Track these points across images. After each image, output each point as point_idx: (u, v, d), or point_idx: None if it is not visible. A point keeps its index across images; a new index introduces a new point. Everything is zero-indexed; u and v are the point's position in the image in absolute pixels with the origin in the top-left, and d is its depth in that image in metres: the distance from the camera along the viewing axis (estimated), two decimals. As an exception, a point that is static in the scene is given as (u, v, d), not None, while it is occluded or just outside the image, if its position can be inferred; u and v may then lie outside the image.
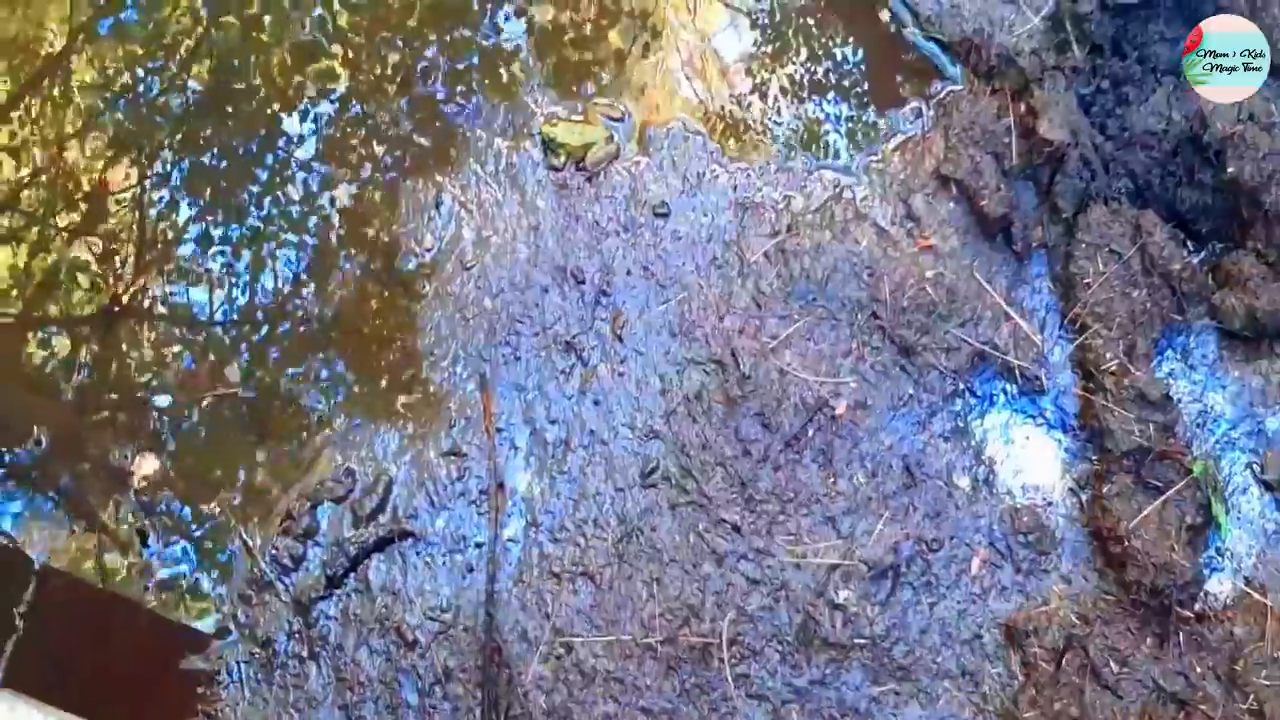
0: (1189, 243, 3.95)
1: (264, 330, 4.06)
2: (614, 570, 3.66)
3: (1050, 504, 3.74)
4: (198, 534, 3.80)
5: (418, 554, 3.72)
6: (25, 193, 4.19)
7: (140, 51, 4.35)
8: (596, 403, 3.87)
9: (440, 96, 4.33)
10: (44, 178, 4.19)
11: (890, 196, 4.06)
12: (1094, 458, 3.76)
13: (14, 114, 4.28)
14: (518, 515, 3.75)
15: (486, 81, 4.33)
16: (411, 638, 3.62)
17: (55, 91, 4.31)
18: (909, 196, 4.05)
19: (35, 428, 3.87)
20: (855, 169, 4.14)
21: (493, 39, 4.37)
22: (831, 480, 3.71)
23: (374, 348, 4.03)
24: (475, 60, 4.36)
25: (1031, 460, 3.81)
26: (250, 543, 3.75)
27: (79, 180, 4.17)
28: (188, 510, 3.83)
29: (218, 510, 3.80)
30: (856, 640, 3.53)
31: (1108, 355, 3.73)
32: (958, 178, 4.01)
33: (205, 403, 3.89)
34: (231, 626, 3.70)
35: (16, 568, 3.68)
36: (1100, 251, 3.85)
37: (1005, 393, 3.87)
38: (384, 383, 3.98)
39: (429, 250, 4.11)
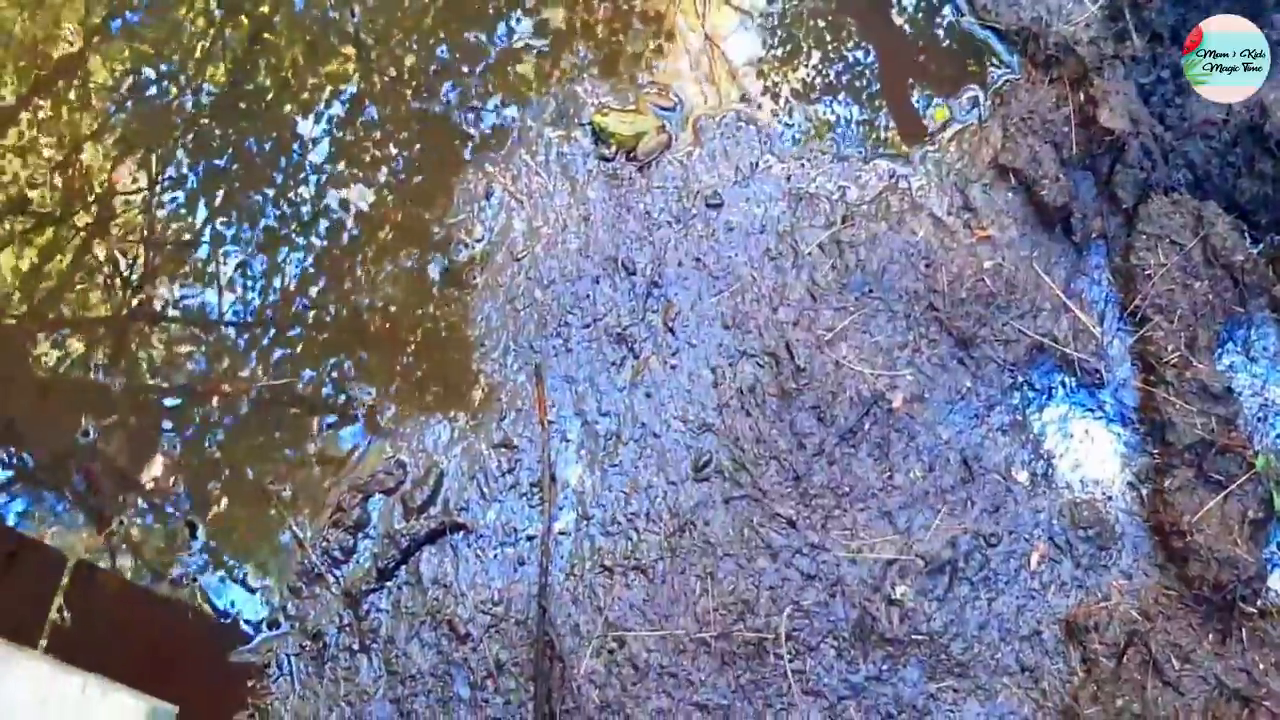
0: (1250, 234, 3.95)
1: (309, 319, 4.10)
2: (667, 564, 3.66)
3: (1110, 498, 3.75)
4: (244, 525, 3.83)
5: (469, 546, 3.74)
6: (38, 194, 4.24)
7: (153, 52, 4.43)
8: (648, 395, 3.89)
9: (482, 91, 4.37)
10: (57, 179, 4.24)
11: (947, 186, 4.10)
12: (1154, 451, 3.78)
13: (26, 115, 4.35)
14: (569, 508, 3.77)
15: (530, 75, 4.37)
16: (463, 631, 3.64)
17: (69, 93, 4.38)
18: (966, 186, 4.09)
19: (47, 428, 3.92)
20: (911, 159, 4.17)
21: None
22: (888, 474, 3.73)
23: (425, 339, 4.06)
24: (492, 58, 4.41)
25: (1091, 454, 3.83)
26: (301, 535, 3.78)
27: (92, 181, 4.24)
28: (232, 501, 3.87)
29: (269, 503, 3.83)
30: (913, 636, 3.54)
31: (1169, 348, 3.76)
32: (1016, 167, 4.04)
33: (252, 394, 3.93)
34: (281, 619, 3.72)
35: (51, 551, 3.71)
36: (1161, 243, 3.88)
37: (1064, 385, 3.89)
38: (435, 374, 4.01)
39: (479, 241, 4.16)
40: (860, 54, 4.44)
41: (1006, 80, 4.26)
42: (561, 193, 4.19)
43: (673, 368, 3.91)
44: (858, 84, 4.38)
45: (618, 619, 3.62)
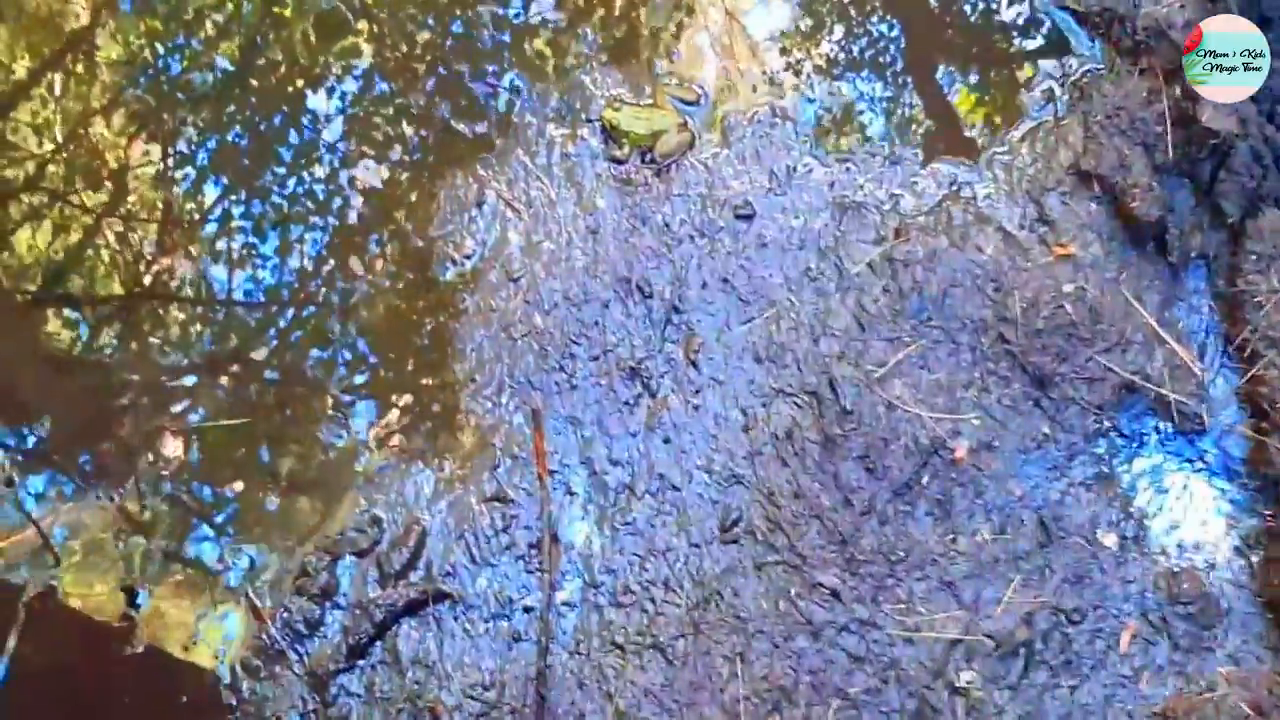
0: None
1: (277, 338, 4.10)
2: (689, 642, 3.54)
3: (1213, 567, 3.64)
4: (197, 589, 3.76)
5: (456, 619, 3.63)
6: (48, 170, 4.33)
7: (163, 28, 4.51)
8: (667, 441, 3.78)
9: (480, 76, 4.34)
10: (67, 155, 4.36)
11: (1019, 195, 4.01)
12: (1266, 512, 3.68)
13: (37, 91, 4.44)
14: (574, 574, 3.66)
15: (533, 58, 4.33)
16: None
17: (79, 68, 4.48)
18: (1041, 196, 3.98)
19: (57, 408, 3.99)
20: (977, 162, 4.10)
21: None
22: (950, 537, 3.60)
23: (404, 372, 3.99)
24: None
25: (1190, 514, 3.73)
26: (258, 603, 3.66)
27: (102, 158, 4.33)
28: (187, 560, 3.80)
29: (219, 564, 3.75)
30: None
31: None
32: (1100, 174, 3.94)
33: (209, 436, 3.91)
34: (234, 703, 3.58)
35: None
36: (1274, 264, 3.81)
37: (1158, 432, 3.78)
38: (416, 414, 3.93)
39: (469, 257, 4.08)
40: (904, 32, 4.36)
41: (1088, 71, 4.17)
42: (566, 201, 4.10)
43: (696, 408, 3.80)
44: (907, 73, 4.31)
45: (630, 707, 3.49)
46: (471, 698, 3.54)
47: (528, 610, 3.62)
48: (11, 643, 3.62)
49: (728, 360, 3.84)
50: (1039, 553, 3.59)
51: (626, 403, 3.84)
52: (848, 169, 4.10)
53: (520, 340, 3.93)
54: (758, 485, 3.69)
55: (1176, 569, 3.60)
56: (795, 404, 3.77)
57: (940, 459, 3.65)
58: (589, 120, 4.19)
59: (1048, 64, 4.22)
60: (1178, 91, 3.94)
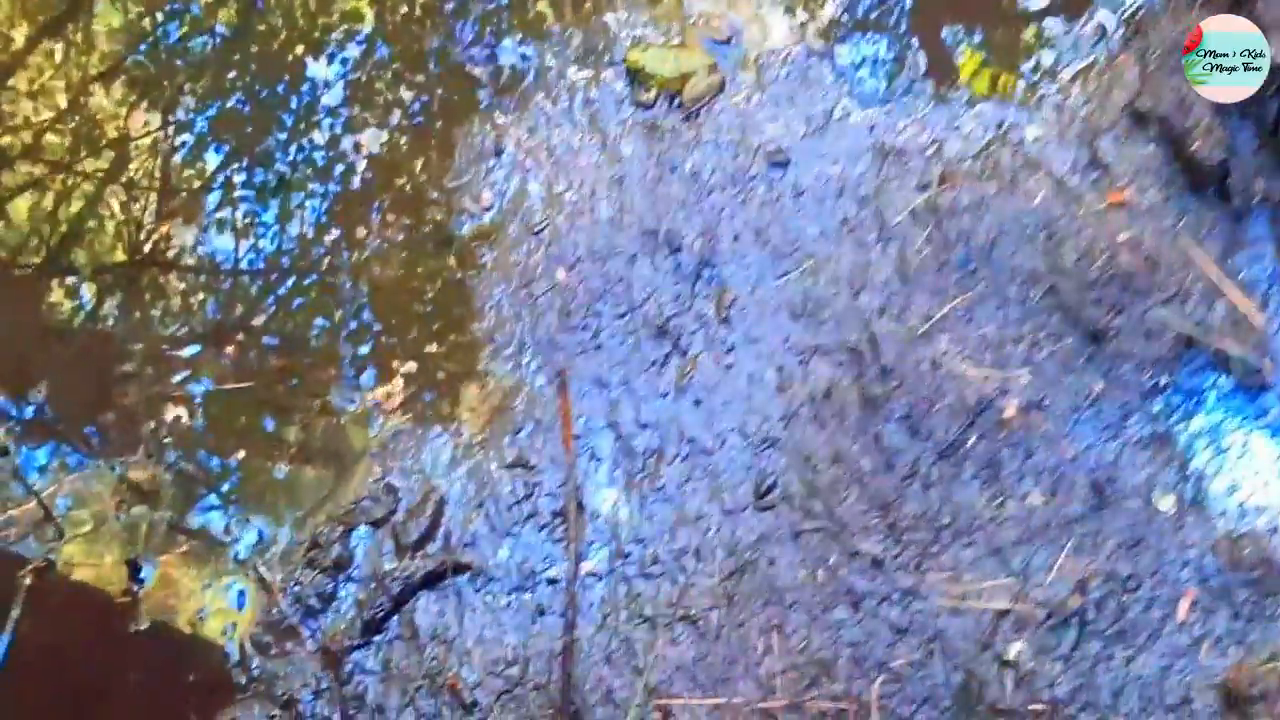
0: None
1: (285, 293, 4.15)
2: (722, 614, 3.52)
3: (1276, 530, 3.53)
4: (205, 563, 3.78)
5: (476, 592, 3.63)
6: (48, 138, 4.40)
7: None
8: (698, 402, 3.78)
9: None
10: (66, 123, 4.44)
11: (1070, 138, 4.00)
12: None
13: (35, 58, 4.52)
14: (600, 544, 3.66)
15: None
16: (469, 698, 3.51)
17: (77, 36, 4.56)
18: (1095, 138, 3.97)
19: (60, 377, 4.02)
20: (1025, 103, 4.10)
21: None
22: (998, 501, 3.57)
23: (419, 331, 4.02)
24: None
25: (1252, 475, 3.62)
26: (267, 576, 3.67)
27: (102, 126, 4.41)
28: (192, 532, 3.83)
29: (226, 535, 3.78)
30: (1032, 706, 3.35)
31: None
32: (1158, 114, 3.93)
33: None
34: (244, 681, 3.60)
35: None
36: None
37: (1218, 388, 3.71)
38: (433, 376, 3.95)
39: (488, 209, 4.11)
40: None
41: (1144, 4, 4.15)
42: (589, 149, 4.15)
43: (728, 368, 3.81)
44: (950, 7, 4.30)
45: (661, 683, 3.47)
46: (493, 674, 3.53)
47: (552, 582, 3.62)
48: (14, 613, 3.61)
49: (762, 316, 3.86)
50: (1092, 517, 3.54)
51: (655, 362, 3.85)
52: (888, 112, 4.11)
53: (542, 297, 3.97)
54: (794, 448, 3.69)
55: (1237, 533, 3.52)
56: (834, 362, 3.77)
57: (988, 419, 3.64)
58: (614, 62, 4.24)
59: None
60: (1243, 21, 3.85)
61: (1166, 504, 3.57)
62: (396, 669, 3.57)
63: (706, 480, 3.68)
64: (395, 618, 3.61)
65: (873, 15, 4.31)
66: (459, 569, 3.62)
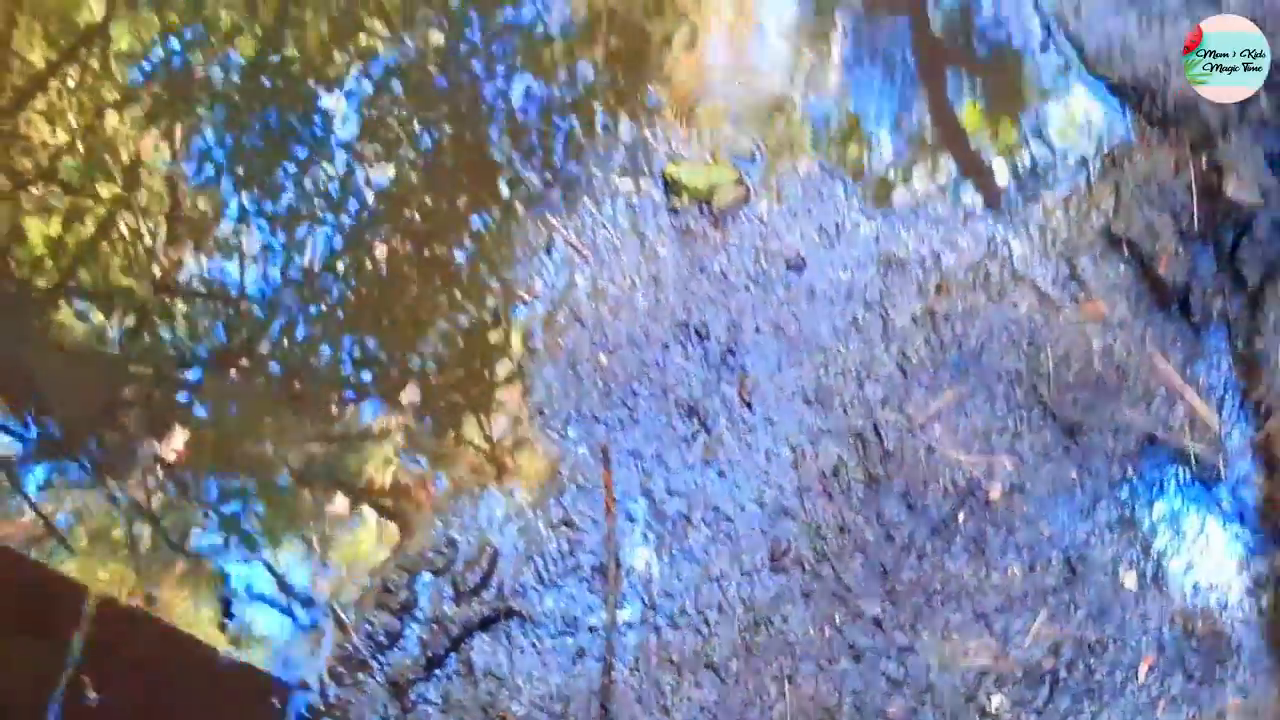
0: None
1: (354, 365, 4.20)
2: (741, 663, 3.68)
3: (1226, 606, 3.75)
4: (286, 603, 3.90)
5: (525, 635, 3.75)
6: (62, 163, 4.40)
7: (179, 22, 4.63)
8: (721, 474, 3.91)
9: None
10: (81, 148, 4.41)
11: (1052, 256, 4.14)
12: (1275, 556, 3.80)
13: (52, 83, 4.51)
14: (634, 596, 3.79)
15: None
16: None
17: (94, 61, 4.55)
18: (1074, 256, 4.13)
19: (67, 398, 4.08)
20: (1013, 223, 4.23)
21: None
22: (984, 572, 3.76)
23: (478, 403, 4.11)
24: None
25: (1206, 556, 3.83)
26: (342, 615, 3.82)
27: (116, 151, 4.41)
28: (277, 579, 3.95)
29: (308, 579, 3.91)
30: None
31: None
32: (1129, 238, 4.08)
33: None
34: (322, 707, 3.74)
35: (68, 600, 3.76)
36: None
37: (1178, 480, 3.90)
38: (489, 443, 4.06)
39: (539, 299, 4.22)
40: (940, 108, 4.52)
41: (1119, 141, 4.32)
42: (629, 248, 4.25)
43: (749, 445, 3.95)
44: (950, 138, 4.48)
45: None
46: (540, 708, 3.66)
47: (591, 629, 3.74)
48: (77, 644, 3.69)
49: (779, 401, 3.98)
50: (1065, 589, 3.74)
51: (684, 438, 3.97)
52: (892, 226, 4.23)
53: (586, 377, 4.06)
54: (806, 519, 3.83)
55: (1192, 607, 3.74)
56: (842, 444, 3.91)
57: (975, 500, 3.80)
58: (652, 174, 4.34)
59: (1082, 132, 4.36)
60: (1204, 164, 4.08)
61: (1130, 580, 3.76)
62: (455, 701, 3.67)
63: (728, 544, 3.81)
64: (454, 655, 3.70)
65: (880, 145, 4.43)
66: (510, 614, 3.73)
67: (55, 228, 4.32)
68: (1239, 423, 3.94)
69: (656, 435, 3.99)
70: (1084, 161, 4.32)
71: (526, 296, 4.23)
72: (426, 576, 3.86)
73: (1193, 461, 3.87)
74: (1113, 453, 3.89)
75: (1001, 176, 4.37)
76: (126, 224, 4.33)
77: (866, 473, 3.88)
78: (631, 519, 3.90)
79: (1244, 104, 4.10)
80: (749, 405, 3.99)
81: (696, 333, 4.10)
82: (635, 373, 4.06)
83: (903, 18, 4.63)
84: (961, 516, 3.81)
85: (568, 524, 3.90)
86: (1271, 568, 3.80)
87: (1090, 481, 3.88)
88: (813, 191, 4.30)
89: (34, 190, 4.37)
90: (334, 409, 4.12)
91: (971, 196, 4.35)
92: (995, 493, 3.82)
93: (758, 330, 4.10)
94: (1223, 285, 4.04)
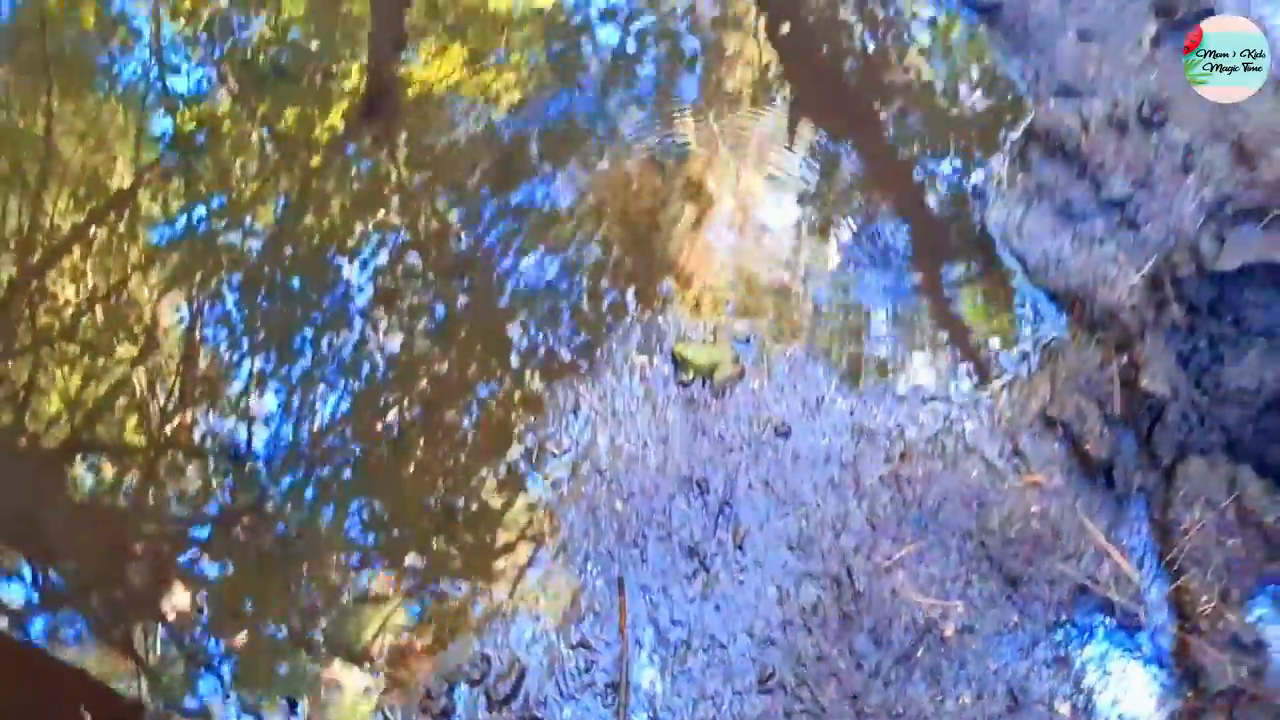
0: None
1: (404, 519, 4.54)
2: None
3: None
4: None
5: None
6: (84, 321, 4.65)
7: (204, 190, 4.94)
8: (717, 608, 4.27)
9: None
10: (103, 308, 4.64)
11: (998, 433, 4.55)
12: (1188, 695, 4.10)
13: (79, 245, 4.79)
14: (640, 709, 4.12)
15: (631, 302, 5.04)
16: None
17: (120, 225, 4.84)
18: (1016, 434, 4.53)
19: (75, 552, 4.26)
20: (966, 404, 4.67)
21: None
22: (939, 699, 4.11)
23: (512, 543, 4.52)
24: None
25: (1129, 692, 4.15)
26: (390, 717, 4.21)
27: (137, 312, 4.66)
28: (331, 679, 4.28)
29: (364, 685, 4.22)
30: None
31: (1203, 598, 4.13)
32: (1063, 420, 4.49)
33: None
34: None
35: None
36: (1197, 500, 4.28)
37: (1105, 626, 4.24)
38: (522, 576, 4.46)
39: (566, 453, 4.64)
40: (903, 319, 5.00)
41: (1055, 338, 4.74)
42: (643, 413, 4.66)
43: (741, 583, 4.31)
44: (911, 336, 4.94)
45: None
46: None
47: None
48: None
49: (767, 547, 4.36)
50: (1008, 716, 4.07)
51: (686, 575, 4.33)
52: (864, 402, 4.65)
53: (604, 521, 4.46)
54: (789, 648, 4.16)
55: None
56: (820, 585, 4.27)
57: (933, 636, 4.15)
58: (663, 352, 4.77)
59: (1025, 331, 4.82)
60: (1125, 360, 4.49)
61: (1064, 710, 4.08)
62: (487, 795, 3.97)
63: (722, 667, 4.13)
64: (489, 755, 3.98)
65: (853, 334, 4.90)
66: (534, 723, 4.06)
67: (74, 384, 4.47)
68: (1156, 579, 4.27)
69: (662, 572, 4.35)
70: (1025, 355, 4.77)
71: (556, 451, 4.63)
72: (464, 687, 4.21)
73: (1117, 611, 4.19)
74: (1049, 601, 4.23)
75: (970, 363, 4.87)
76: (141, 383, 4.50)
77: (840, 610, 4.22)
78: (640, 643, 4.23)
79: (1158, 311, 4.66)
80: (741, 549, 4.36)
81: (698, 486, 4.49)
82: (646, 518, 4.44)
83: (903, 220, 5.11)
84: (921, 651, 4.14)
85: (585, 645, 4.26)
86: (1184, 705, 4.14)
87: (1030, 625, 4.21)
88: (797, 371, 4.75)
89: (55, 347, 4.55)
90: (337, 573, 4.34)
91: (932, 380, 4.87)
92: (949, 631, 4.15)
93: (750, 486, 4.49)
94: (1141, 462, 4.40)
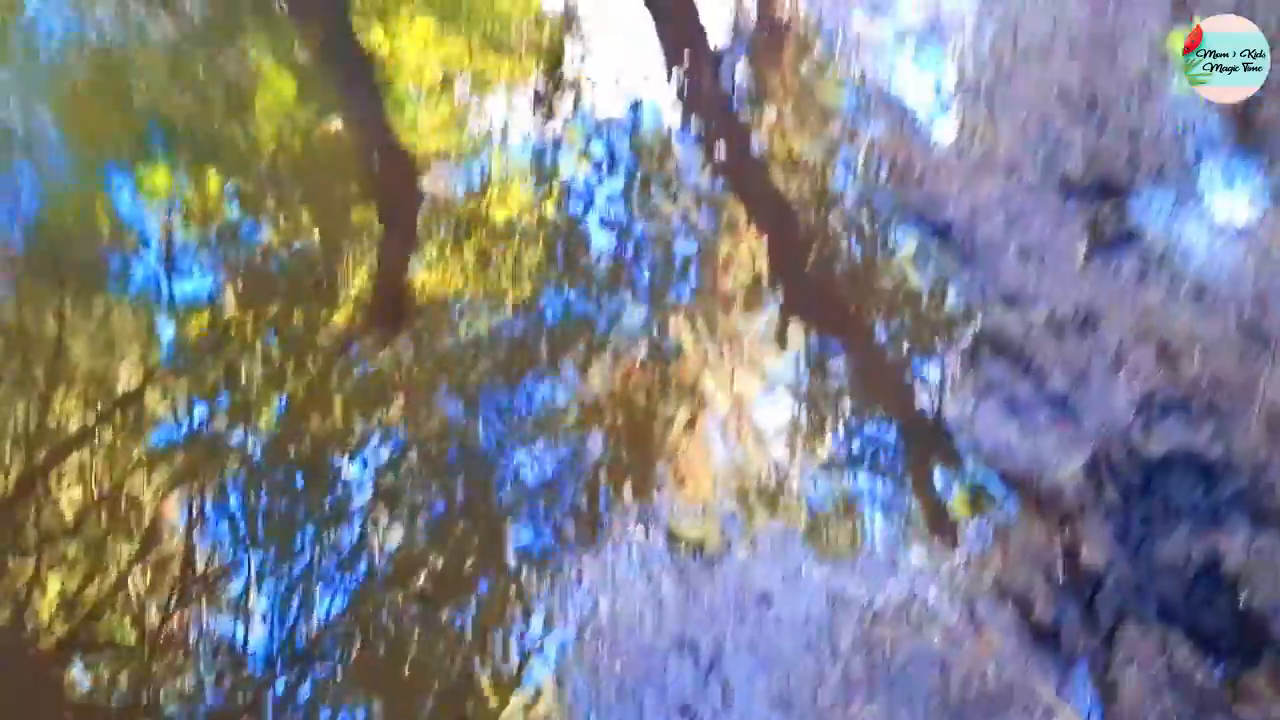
0: (1211, 659, 4.81)
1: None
2: None
3: None
4: None
5: None
6: (86, 521, 4.64)
7: (210, 393, 4.95)
8: None
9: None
10: (105, 508, 4.62)
11: (957, 601, 4.67)
12: None
13: (85, 444, 4.77)
14: None
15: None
16: None
17: (125, 426, 4.85)
18: (973, 603, 4.66)
19: None
20: (928, 574, 4.96)
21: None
22: None
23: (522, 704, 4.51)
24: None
25: None
26: None
27: (139, 512, 4.65)
28: None
29: None
30: None
31: None
32: (1014, 590, 4.65)
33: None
34: None
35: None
36: (1134, 660, 4.67)
37: None
38: None
39: (571, 620, 4.80)
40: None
41: (1006, 515, 5.00)
42: (639, 583, 4.81)
43: None
44: (880, 519, 5.36)
45: None
46: None
47: None
48: None
49: (752, 703, 4.48)
50: None
51: None
52: (838, 572, 4.80)
53: (604, 679, 4.59)
54: None
55: None
56: None
57: None
58: (659, 527, 5.00)
59: (979, 509, 5.31)
60: (1068, 535, 4.89)
61: None
62: None
63: None
64: None
65: (831, 510, 5.38)
66: None
67: (72, 585, 4.45)
68: (1102, 733, 4.91)
69: (658, 726, 4.87)
70: (981, 531, 5.34)
71: (562, 619, 4.77)
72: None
73: (1067, 756, 4.58)
74: (1006, 753, 4.82)
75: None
76: (139, 584, 4.49)
77: (817, 759, 4.74)
78: (638, 787, 4.68)
79: (1096, 492, 5.19)
80: (730, 706, 4.47)
81: (689, 648, 4.61)
82: (642, 677, 4.54)
83: (894, 420, 5.69)
84: (888, 793, 4.68)
85: (586, 797, 4.66)
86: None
87: (988, 770, 4.78)
88: (778, 546, 5.14)
89: (56, 548, 4.52)
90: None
91: (900, 553, 5.29)
92: (916, 777, 4.71)
93: (736, 648, 4.60)
94: (1085, 628, 4.54)
